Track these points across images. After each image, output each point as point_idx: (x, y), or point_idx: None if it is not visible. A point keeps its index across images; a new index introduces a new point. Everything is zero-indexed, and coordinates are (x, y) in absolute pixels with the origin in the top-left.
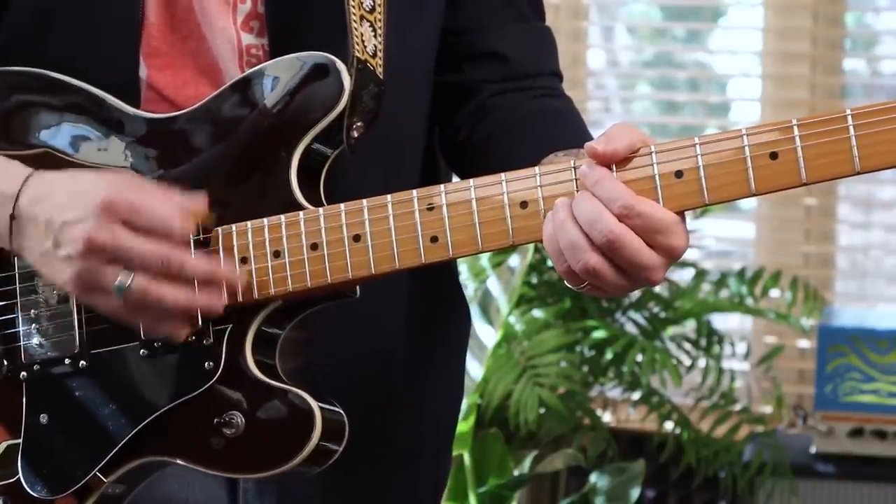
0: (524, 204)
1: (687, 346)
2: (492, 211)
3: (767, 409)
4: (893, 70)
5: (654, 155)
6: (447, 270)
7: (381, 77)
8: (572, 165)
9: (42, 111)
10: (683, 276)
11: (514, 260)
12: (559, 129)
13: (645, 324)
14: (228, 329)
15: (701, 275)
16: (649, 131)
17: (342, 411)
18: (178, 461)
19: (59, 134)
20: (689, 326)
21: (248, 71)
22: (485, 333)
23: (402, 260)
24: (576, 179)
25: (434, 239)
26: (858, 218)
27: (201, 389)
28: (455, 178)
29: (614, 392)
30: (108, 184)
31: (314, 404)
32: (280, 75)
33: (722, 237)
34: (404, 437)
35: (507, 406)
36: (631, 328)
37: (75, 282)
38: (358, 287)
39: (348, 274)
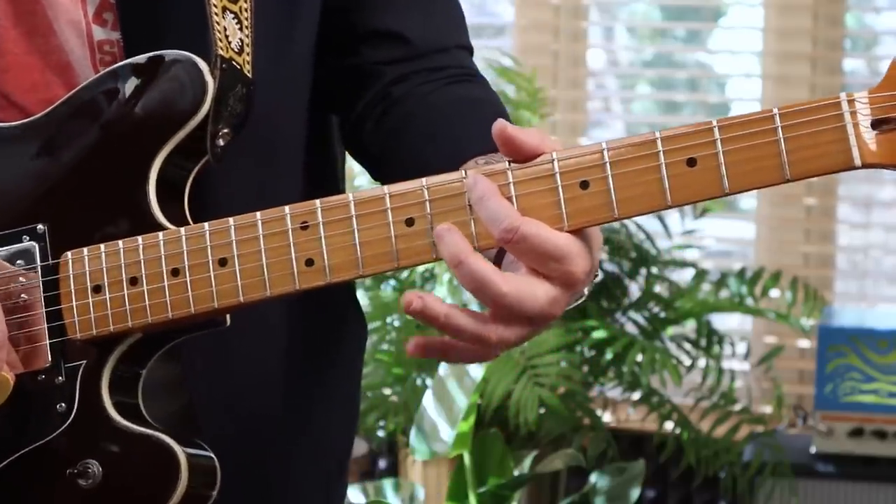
0: (410, 221)
1: (687, 346)
2: (374, 230)
3: (767, 409)
4: None
5: (555, 163)
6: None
7: (249, 76)
8: (462, 177)
9: None
10: (683, 276)
11: None
12: (477, 125)
13: (645, 324)
14: (82, 366)
15: (701, 275)
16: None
17: (212, 455)
18: None
19: None
20: (689, 326)
21: (100, 73)
22: None
23: (274, 286)
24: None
25: (309, 262)
26: (858, 218)
27: (53, 435)
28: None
29: (614, 392)
30: None
31: (178, 449)
32: (133, 78)
33: (722, 237)
34: (291, 471)
35: (507, 406)
36: (631, 328)
37: None
38: (228, 315)
39: (213, 303)
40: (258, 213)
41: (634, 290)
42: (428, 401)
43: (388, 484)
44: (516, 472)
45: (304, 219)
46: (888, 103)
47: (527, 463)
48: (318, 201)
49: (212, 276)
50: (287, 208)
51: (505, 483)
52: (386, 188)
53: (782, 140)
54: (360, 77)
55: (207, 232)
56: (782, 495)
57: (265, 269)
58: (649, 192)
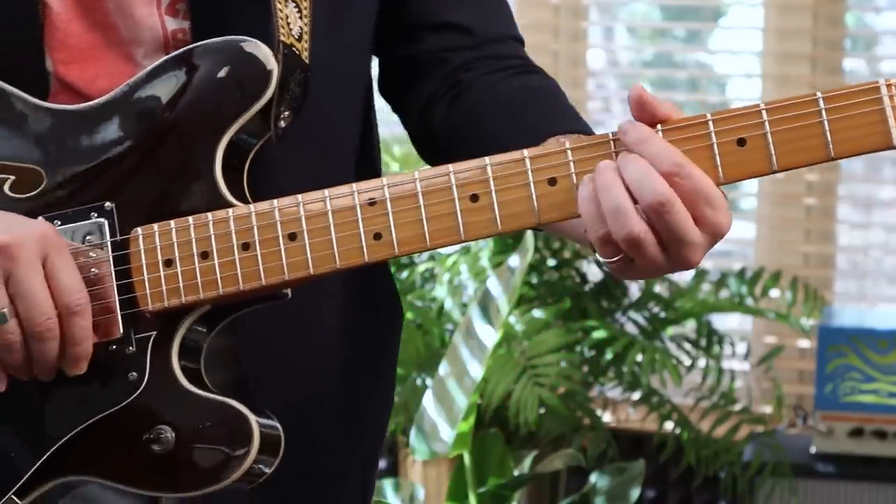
0: (475, 197)
1: (687, 346)
2: (440, 205)
3: (767, 409)
4: (893, 70)
5: (612, 142)
6: (382, 268)
7: (306, 62)
8: (524, 156)
9: None
10: (683, 276)
11: (514, 260)
12: (554, 110)
13: (645, 324)
14: (152, 337)
15: (701, 275)
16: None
17: (279, 426)
18: (102, 480)
19: None
20: (689, 326)
21: (166, 57)
22: (485, 333)
23: (343, 259)
24: (530, 170)
25: (377, 236)
26: (858, 218)
27: (125, 403)
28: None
29: (614, 392)
30: (41, 223)
31: (252, 417)
32: (201, 61)
33: None
34: (334, 449)
35: (507, 406)
36: (631, 328)
37: None
38: (289, 289)
39: (284, 275)
40: (326, 191)
41: (634, 290)
42: (428, 401)
43: (388, 484)
44: (516, 472)
45: (371, 195)
46: None
47: (527, 463)
48: (384, 178)
49: (282, 249)
50: (354, 185)
51: (505, 483)
52: (450, 166)
53: (826, 121)
54: (424, 65)
55: (277, 208)
56: (782, 495)
57: (334, 243)
58: (703, 169)
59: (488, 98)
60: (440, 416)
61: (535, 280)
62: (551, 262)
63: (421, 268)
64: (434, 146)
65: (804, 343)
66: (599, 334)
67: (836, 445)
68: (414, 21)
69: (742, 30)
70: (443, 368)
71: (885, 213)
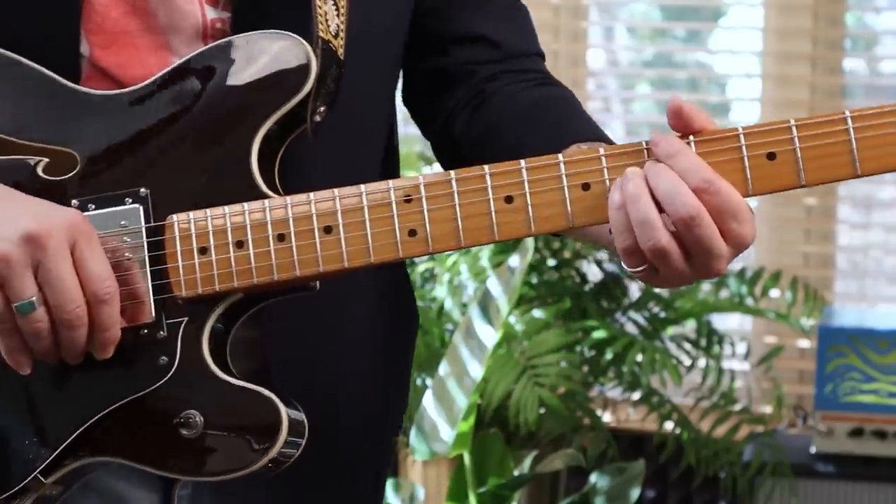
0: (509, 199)
1: (687, 346)
2: (474, 205)
3: (767, 409)
4: (893, 70)
5: (646, 151)
6: (401, 267)
7: (342, 58)
8: (559, 160)
9: None
10: None
11: (514, 260)
12: (575, 119)
13: (645, 324)
14: (184, 322)
15: None
16: (649, 131)
17: (304, 416)
18: (128, 462)
19: None
20: (689, 326)
21: (205, 47)
22: (485, 333)
23: (377, 254)
24: (564, 175)
25: (412, 232)
26: (858, 218)
27: (155, 386)
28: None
29: (614, 392)
30: (73, 211)
31: (281, 406)
32: (240, 53)
33: None
34: (351, 445)
35: (507, 406)
36: (631, 328)
37: None
38: (318, 281)
39: (319, 267)
40: (362, 186)
41: (634, 290)
42: (428, 401)
43: (388, 484)
44: (516, 472)
45: (407, 193)
46: None
47: (527, 463)
48: (420, 177)
49: (317, 242)
50: (391, 182)
51: (505, 483)
52: (486, 167)
53: (854, 139)
54: (451, 76)
55: (313, 201)
56: (782, 495)
57: (369, 238)
58: (732, 182)
59: (510, 107)
60: (440, 416)
61: (535, 280)
62: (551, 262)
63: (421, 268)
64: (456, 154)
65: (804, 343)
66: (599, 334)
67: (836, 445)
68: (441, 32)
69: (742, 30)
70: (443, 368)
71: (885, 213)
